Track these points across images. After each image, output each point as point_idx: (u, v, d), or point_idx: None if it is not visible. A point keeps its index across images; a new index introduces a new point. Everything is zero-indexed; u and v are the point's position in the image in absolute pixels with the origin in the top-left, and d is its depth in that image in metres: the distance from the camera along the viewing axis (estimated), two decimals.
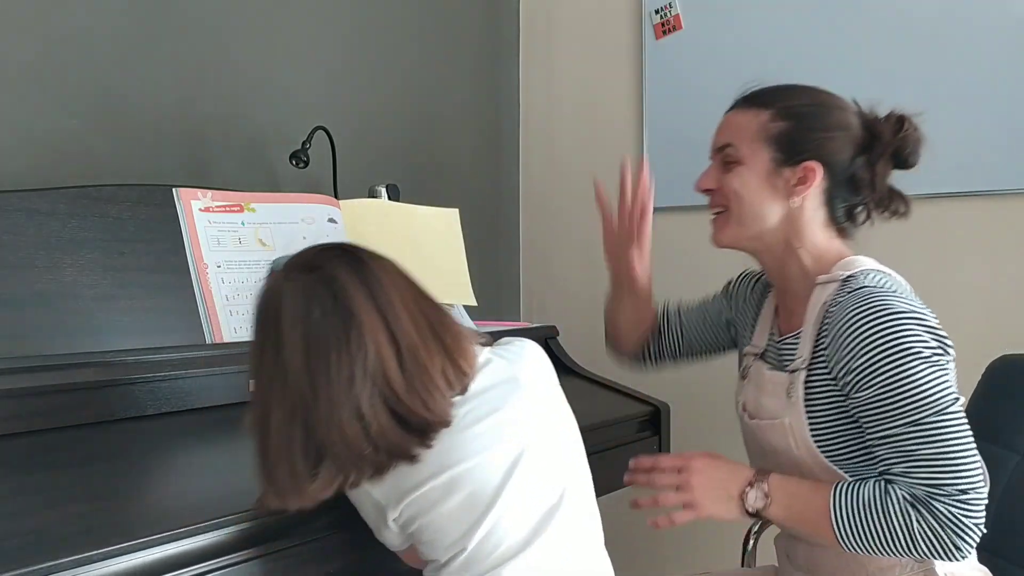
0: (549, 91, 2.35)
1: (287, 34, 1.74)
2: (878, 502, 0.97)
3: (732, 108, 1.18)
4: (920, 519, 0.95)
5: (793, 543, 1.18)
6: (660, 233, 2.14)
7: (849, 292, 1.04)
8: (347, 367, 0.80)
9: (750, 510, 1.05)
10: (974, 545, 0.96)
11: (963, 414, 0.99)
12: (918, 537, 0.95)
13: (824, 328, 1.06)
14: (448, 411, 0.85)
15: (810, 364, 1.08)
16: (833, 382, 1.05)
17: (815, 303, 1.09)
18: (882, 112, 1.14)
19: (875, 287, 1.03)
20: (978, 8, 1.68)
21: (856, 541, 0.99)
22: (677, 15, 2.08)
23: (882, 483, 0.99)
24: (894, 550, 0.97)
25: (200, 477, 0.98)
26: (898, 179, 1.15)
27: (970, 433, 0.98)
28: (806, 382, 1.07)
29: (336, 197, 1.53)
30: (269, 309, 0.84)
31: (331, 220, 1.44)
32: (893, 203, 1.14)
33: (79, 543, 0.74)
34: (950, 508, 0.94)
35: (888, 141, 1.11)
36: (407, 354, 0.83)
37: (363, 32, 1.91)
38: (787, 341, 1.15)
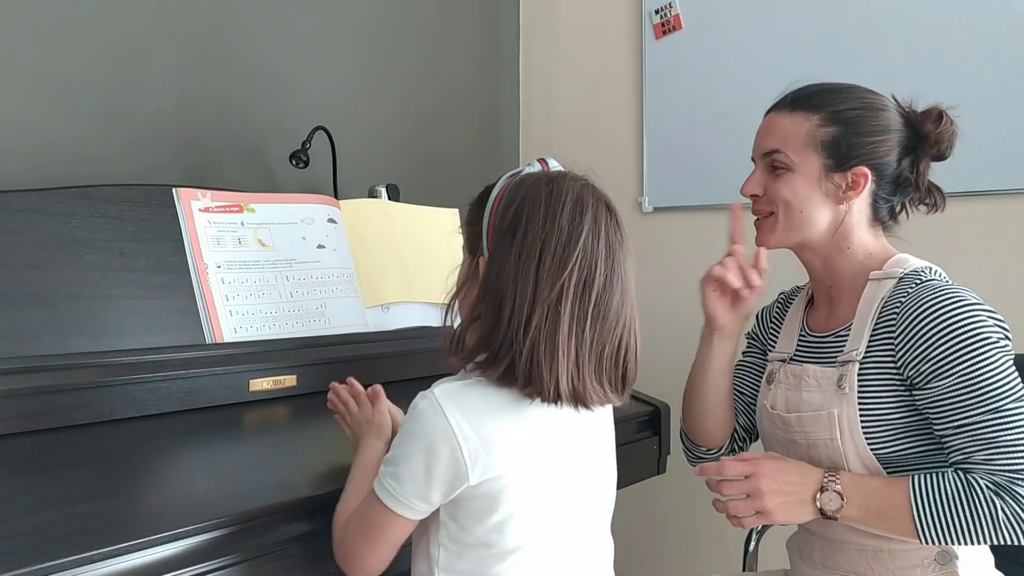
0: (549, 91, 2.35)
1: (287, 34, 1.74)
2: (962, 492, 0.98)
3: (775, 110, 1.17)
4: (1005, 506, 0.96)
5: (809, 541, 1.17)
6: (660, 233, 2.16)
7: (917, 286, 1.06)
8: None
9: (827, 513, 1.04)
10: None
11: None
12: (1003, 524, 0.96)
13: (883, 321, 1.07)
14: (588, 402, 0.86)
15: (864, 356, 1.08)
16: (893, 374, 1.06)
17: (869, 297, 1.11)
18: (919, 106, 1.15)
19: (942, 282, 1.06)
20: (979, 7, 1.68)
21: (939, 532, 0.99)
22: (677, 15, 2.08)
23: (960, 473, 1.00)
24: (977, 538, 0.98)
25: (200, 477, 0.98)
26: None
27: None
28: (859, 373, 1.08)
29: (336, 197, 1.53)
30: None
31: (331, 220, 1.44)
32: (931, 197, 1.16)
33: (79, 543, 0.74)
34: None
35: (933, 140, 1.12)
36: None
37: (364, 32, 1.91)
38: (831, 337, 1.16)
